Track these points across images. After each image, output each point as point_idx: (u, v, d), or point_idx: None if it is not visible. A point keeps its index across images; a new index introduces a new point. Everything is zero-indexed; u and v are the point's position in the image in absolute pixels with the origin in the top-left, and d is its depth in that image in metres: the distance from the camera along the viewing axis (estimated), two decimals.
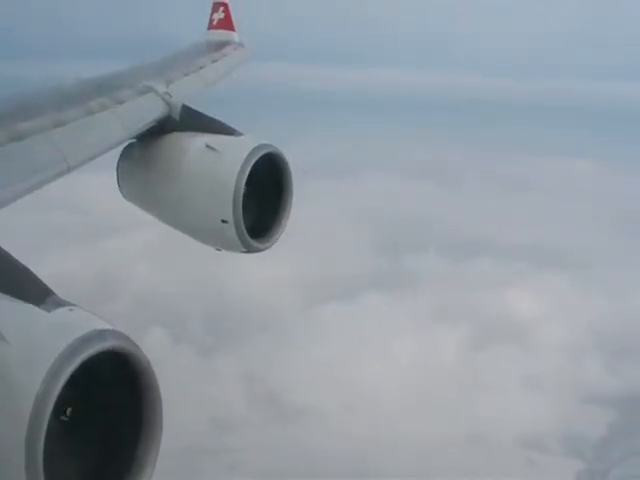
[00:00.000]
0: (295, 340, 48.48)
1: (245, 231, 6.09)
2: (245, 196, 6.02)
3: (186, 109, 6.47)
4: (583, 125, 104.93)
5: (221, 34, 10.17)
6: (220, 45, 9.78)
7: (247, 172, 5.98)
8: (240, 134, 6.35)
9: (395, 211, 69.53)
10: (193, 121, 6.42)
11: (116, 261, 55.55)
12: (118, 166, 6.69)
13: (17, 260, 3.58)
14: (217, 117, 6.52)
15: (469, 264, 59.72)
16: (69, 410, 3.20)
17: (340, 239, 63.53)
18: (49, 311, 3.28)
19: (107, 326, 3.21)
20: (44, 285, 3.47)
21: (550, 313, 53.67)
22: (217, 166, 6.07)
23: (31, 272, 3.54)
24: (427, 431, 41.48)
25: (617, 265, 61.30)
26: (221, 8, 10.36)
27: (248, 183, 6.01)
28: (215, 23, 10.30)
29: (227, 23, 10.30)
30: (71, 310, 3.32)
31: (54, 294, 3.43)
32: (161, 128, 6.35)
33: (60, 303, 3.36)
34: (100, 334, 3.13)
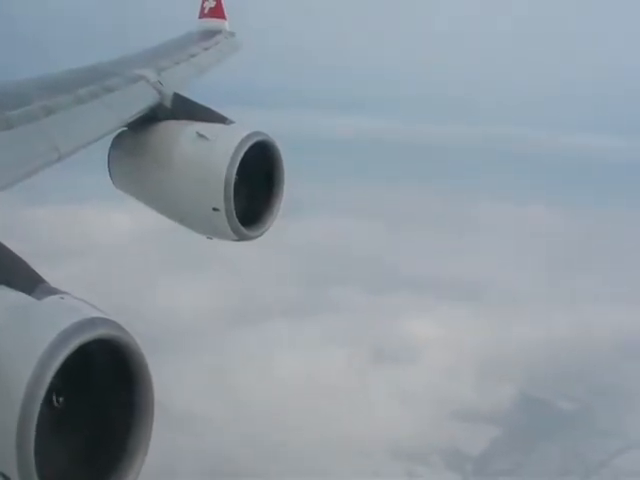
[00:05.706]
0: (195, 357, 50.58)
1: (236, 219, 6.08)
2: (237, 184, 6.01)
3: (178, 97, 6.46)
4: (529, 170, 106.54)
5: (212, 23, 10.13)
6: (211, 34, 9.75)
7: (238, 160, 5.98)
8: (232, 122, 6.34)
9: (335, 248, 72.93)
10: (185, 109, 6.41)
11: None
12: (109, 155, 6.67)
13: (8, 248, 3.55)
14: (208, 105, 6.51)
15: (386, 297, 63.29)
16: (61, 398, 3.19)
17: (272, 272, 66.11)
18: (40, 299, 3.26)
19: (99, 314, 3.19)
20: (35, 273, 3.45)
21: (445, 340, 57.06)
22: (208, 154, 6.05)
23: (22, 260, 3.52)
24: (306, 441, 42.93)
25: (519, 299, 65.13)
26: None
27: (240, 171, 6.01)
28: (206, 12, 10.26)
29: (218, 12, 10.25)
30: (62, 298, 3.30)
31: (45, 282, 3.41)
32: (153, 116, 6.34)
33: (51, 291, 3.34)
34: (91, 322, 3.11)
